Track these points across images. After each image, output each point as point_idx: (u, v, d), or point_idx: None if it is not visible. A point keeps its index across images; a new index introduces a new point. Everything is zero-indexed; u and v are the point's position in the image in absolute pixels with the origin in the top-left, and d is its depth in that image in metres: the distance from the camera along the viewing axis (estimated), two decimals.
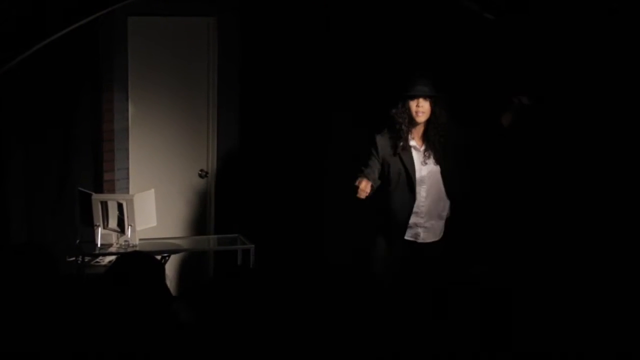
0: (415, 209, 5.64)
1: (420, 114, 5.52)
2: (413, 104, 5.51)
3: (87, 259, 5.99)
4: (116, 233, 6.07)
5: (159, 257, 6.10)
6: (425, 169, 5.61)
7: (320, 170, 6.99)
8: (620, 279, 5.28)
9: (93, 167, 6.63)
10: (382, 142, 5.63)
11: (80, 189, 6.22)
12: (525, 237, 5.92)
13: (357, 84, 6.77)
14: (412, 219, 5.66)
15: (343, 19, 6.82)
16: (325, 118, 7.03)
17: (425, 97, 5.49)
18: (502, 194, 6.09)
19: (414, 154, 5.62)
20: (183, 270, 6.95)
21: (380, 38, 6.64)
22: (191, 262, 6.99)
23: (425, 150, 5.61)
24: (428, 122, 5.58)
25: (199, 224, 7.18)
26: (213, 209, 7.21)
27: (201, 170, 7.15)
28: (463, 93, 6.02)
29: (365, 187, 5.39)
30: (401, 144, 5.55)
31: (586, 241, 5.51)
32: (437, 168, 5.62)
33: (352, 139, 6.62)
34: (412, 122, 5.55)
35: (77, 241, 6.14)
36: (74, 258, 6.04)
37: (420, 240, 5.71)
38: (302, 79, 6.97)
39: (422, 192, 5.62)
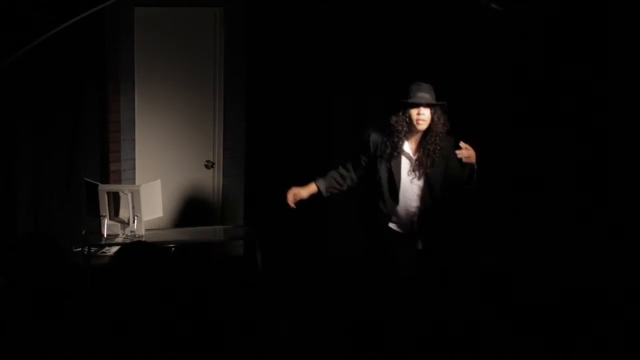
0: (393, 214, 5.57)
1: (421, 122, 5.36)
2: (414, 112, 5.35)
3: (93, 249, 6.01)
4: (122, 224, 6.08)
5: (164, 248, 6.11)
6: (409, 179, 5.47)
7: (324, 162, 6.99)
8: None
9: (99, 157, 6.64)
10: (376, 141, 5.49)
11: (86, 179, 6.23)
12: (529, 227, 5.93)
13: (361, 77, 6.77)
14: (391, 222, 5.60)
15: (346, 7, 6.81)
16: (329, 111, 7.03)
17: (426, 106, 5.35)
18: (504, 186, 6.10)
19: (403, 161, 5.47)
20: (189, 261, 6.95)
21: (383, 26, 6.64)
22: (197, 253, 6.99)
23: (417, 158, 5.44)
24: (426, 130, 5.41)
25: (205, 214, 7.18)
26: (219, 199, 7.21)
27: (207, 161, 7.15)
28: (464, 86, 6.04)
29: (292, 199, 5.51)
30: (395, 152, 5.42)
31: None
32: (422, 179, 5.46)
33: (355, 133, 6.62)
34: (412, 130, 5.40)
35: (83, 232, 6.16)
36: (80, 248, 6.06)
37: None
38: (308, 69, 6.96)
39: (400, 199, 5.50)
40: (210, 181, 7.20)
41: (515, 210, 6.09)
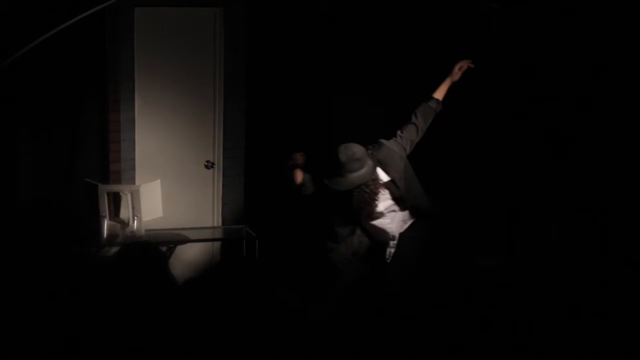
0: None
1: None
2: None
3: (93, 249, 6.00)
4: (122, 224, 6.08)
5: (164, 248, 6.12)
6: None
7: (324, 162, 6.99)
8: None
9: (99, 157, 6.64)
10: None
11: (86, 179, 6.23)
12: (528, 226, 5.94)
13: (361, 77, 6.77)
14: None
15: (347, 8, 6.82)
16: (329, 111, 7.03)
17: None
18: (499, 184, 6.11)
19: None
20: (189, 261, 6.97)
21: (383, 26, 6.64)
22: (197, 253, 7.00)
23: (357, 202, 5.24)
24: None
25: (205, 214, 7.19)
26: (219, 199, 7.21)
27: (207, 161, 7.15)
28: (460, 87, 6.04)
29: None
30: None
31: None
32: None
33: (355, 134, 6.63)
34: None
35: (84, 232, 6.16)
36: (80, 249, 6.05)
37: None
38: (308, 69, 6.97)
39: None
40: (210, 181, 7.20)
41: (514, 210, 6.09)
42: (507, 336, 5.22)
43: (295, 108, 7.05)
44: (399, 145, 5.30)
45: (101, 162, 6.65)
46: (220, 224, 7.16)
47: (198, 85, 7.04)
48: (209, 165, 7.15)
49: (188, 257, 6.75)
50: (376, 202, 5.22)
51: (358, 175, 5.07)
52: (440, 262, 5.94)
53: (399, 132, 5.34)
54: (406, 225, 5.39)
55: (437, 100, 5.40)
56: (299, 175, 5.42)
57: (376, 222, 5.36)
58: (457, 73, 5.43)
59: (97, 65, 6.47)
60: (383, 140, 5.29)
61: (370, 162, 5.11)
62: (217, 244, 7.17)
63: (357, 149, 5.10)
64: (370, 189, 5.16)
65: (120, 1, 6.05)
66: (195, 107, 7.06)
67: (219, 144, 7.15)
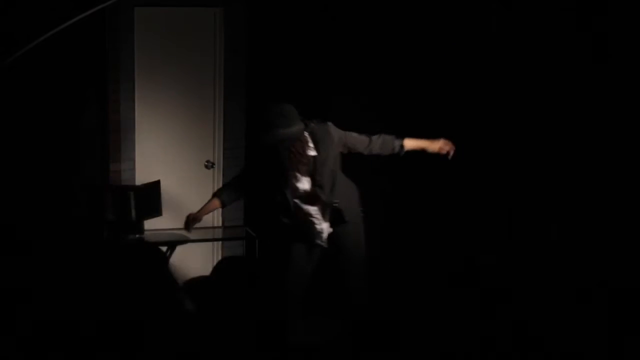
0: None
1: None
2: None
3: (92, 249, 6.00)
4: (123, 224, 6.08)
5: (164, 248, 6.12)
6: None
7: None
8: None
9: (99, 157, 6.64)
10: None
11: (86, 180, 6.24)
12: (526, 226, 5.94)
13: (361, 77, 6.78)
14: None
15: (347, 8, 6.82)
16: (329, 111, 7.03)
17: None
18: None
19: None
20: (189, 261, 6.97)
21: (383, 26, 6.65)
22: (197, 253, 7.00)
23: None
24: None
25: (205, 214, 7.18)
26: None
27: (207, 161, 7.15)
28: (457, 86, 6.05)
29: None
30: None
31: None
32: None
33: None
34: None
35: (84, 232, 6.16)
36: (79, 249, 6.06)
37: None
38: (309, 69, 6.97)
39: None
40: (210, 181, 7.20)
41: (514, 210, 6.09)
42: (507, 336, 5.22)
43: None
44: (340, 138, 5.30)
45: (101, 162, 6.66)
46: (220, 224, 7.16)
47: (198, 85, 7.04)
48: (209, 165, 7.16)
49: (188, 257, 6.75)
50: (301, 166, 5.21)
51: (284, 131, 5.11)
52: (440, 261, 5.94)
53: (351, 133, 5.34)
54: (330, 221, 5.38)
55: (402, 145, 5.38)
56: (217, 205, 5.61)
57: (300, 202, 5.34)
58: (434, 147, 5.41)
59: (97, 65, 6.47)
60: (330, 123, 5.30)
61: (300, 124, 5.16)
62: (217, 244, 7.17)
63: (287, 108, 5.19)
64: (297, 149, 5.18)
65: (120, 1, 6.06)
66: (195, 107, 7.06)
67: (219, 144, 7.15)
